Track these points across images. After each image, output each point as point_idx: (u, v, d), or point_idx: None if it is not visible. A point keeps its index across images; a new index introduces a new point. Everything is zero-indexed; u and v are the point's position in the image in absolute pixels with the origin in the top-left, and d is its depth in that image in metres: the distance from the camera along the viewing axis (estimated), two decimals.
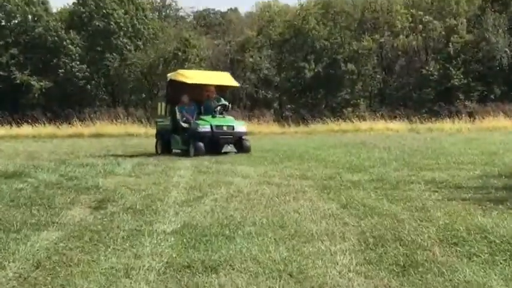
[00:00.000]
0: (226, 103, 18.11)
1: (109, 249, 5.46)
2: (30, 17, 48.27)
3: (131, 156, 17.28)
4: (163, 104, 19.05)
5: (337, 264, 4.90)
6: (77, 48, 46.06)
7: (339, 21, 48.26)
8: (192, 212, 7.19)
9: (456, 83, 42.86)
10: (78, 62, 45.78)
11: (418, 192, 8.37)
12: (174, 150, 18.07)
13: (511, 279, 4.46)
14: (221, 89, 18.79)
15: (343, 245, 5.46)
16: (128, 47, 46.71)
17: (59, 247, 5.58)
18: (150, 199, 8.26)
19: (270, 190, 8.91)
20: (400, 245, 5.41)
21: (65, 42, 45.63)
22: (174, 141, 17.91)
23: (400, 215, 6.75)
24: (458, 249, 5.23)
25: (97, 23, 46.60)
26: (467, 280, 4.44)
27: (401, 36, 46.39)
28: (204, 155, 16.10)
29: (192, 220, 6.69)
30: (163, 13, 60.33)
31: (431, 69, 43.93)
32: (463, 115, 38.09)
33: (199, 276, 4.68)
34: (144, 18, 49.14)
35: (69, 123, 38.62)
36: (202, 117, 17.42)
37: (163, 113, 18.94)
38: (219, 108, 17.63)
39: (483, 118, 36.48)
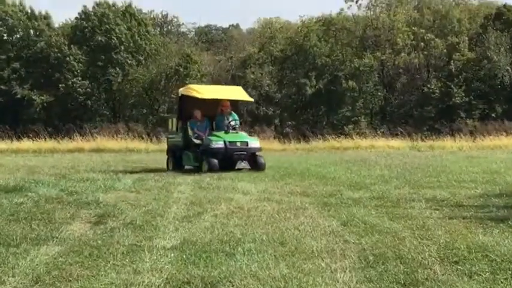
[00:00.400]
0: (238, 119, 17.69)
1: (109, 265, 5.45)
2: (32, 31, 48.36)
3: (132, 171, 17.26)
4: (175, 120, 18.67)
5: (338, 281, 4.88)
6: (79, 64, 46.12)
7: (341, 38, 48.33)
8: (192, 228, 7.17)
9: (457, 101, 42.83)
10: (80, 78, 45.83)
11: (419, 210, 8.36)
12: (186, 167, 17.65)
13: None
14: (233, 104, 18.18)
15: (344, 263, 5.44)
16: (130, 62, 46.78)
17: (59, 262, 5.57)
18: (150, 215, 8.25)
19: (271, 207, 8.90)
20: (401, 263, 5.39)
21: (68, 58, 45.69)
22: (186, 157, 17.51)
23: (400, 233, 6.74)
24: (459, 267, 5.22)
25: (99, 38, 46.69)
26: None
27: (402, 54, 46.42)
28: (218, 171, 15.57)
29: (192, 236, 6.68)
30: (165, 29, 60.57)
31: (432, 87, 43.90)
32: (465, 133, 38.08)
33: None
34: (146, 33, 49.24)
35: (70, 138, 38.58)
36: (215, 133, 17.06)
37: (174, 128, 18.63)
38: (232, 123, 17.25)
39: (484, 136, 36.44)
